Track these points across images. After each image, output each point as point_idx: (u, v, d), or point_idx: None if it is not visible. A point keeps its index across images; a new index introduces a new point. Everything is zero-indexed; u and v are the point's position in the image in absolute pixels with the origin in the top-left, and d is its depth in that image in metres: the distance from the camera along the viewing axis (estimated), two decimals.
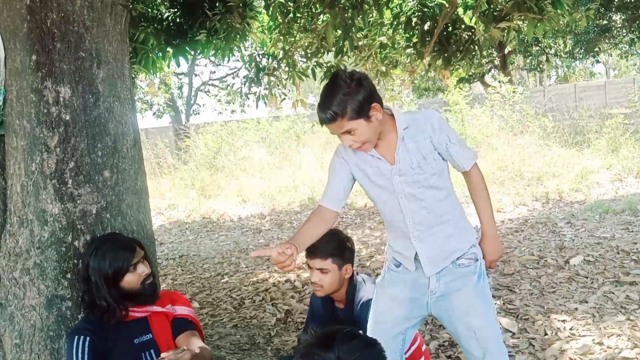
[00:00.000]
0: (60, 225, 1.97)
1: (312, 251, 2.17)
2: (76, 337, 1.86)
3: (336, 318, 2.35)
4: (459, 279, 1.82)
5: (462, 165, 1.82)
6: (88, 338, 1.85)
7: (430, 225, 1.80)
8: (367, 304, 2.13)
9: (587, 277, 3.64)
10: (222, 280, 4.52)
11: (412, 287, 1.87)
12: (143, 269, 1.95)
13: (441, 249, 1.81)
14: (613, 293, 3.31)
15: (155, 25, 4.21)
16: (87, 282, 1.92)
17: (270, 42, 5.50)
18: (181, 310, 2.07)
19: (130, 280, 1.92)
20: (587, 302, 3.22)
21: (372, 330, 1.94)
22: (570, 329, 2.89)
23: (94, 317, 1.93)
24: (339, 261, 2.24)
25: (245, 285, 4.26)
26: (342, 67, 5.07)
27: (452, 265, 1.82)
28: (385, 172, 1.80)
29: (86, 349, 1.85)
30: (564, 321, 2.99)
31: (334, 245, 2.19)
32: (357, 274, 2.42)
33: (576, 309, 3.14)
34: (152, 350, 1.95)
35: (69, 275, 1.98)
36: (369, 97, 1.69)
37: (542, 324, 2.97)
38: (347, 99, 1.66)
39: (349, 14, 3.98)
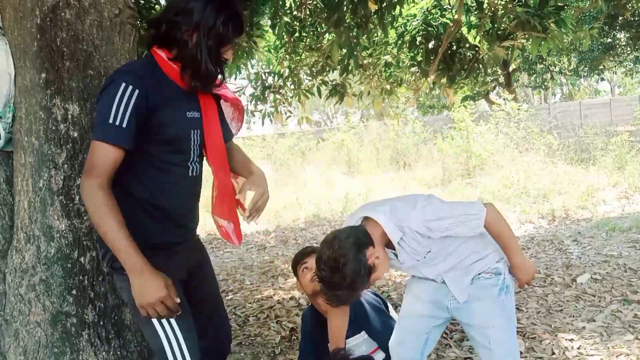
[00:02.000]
0: (66, 242, 1.98)
1: (307, 252, 2.51)
2: (124, 83, 1.50)
3: (327, 330, 2.43)
4: (480, 288, 1.85)
5: (472, 232, 1.80)
6: (137, 90, 1.51)
7: (455, 268, 1.87)
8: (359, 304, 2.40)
9: (594, 296, 3.60)
10: (227, 297, 4.50)
11: (435, 290, 1.92)
12: (229, 55, 1.67)
13: (466, 274, 1.87)
14: (621, 312, 3.28)
15: None
16: (187, 13, 1.55)
17: (276, 60, 5.57)
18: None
19: (227, 53, 1.64)
20: (594, 321, 3.19)
21: (397, 327, 2.01)
22: (578, 349, 2.85)
23: (153, 66, 1.60)
24: None
25: (250, 303, 4.24)
26: (347, 86, 5.14)
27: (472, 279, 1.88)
28: (396, 264, 1.88)
29: (133, 99, 1.50)
30: (571, 340, 2.96)
31: None
32: None
33: (584, 327, 3.11)
34: (198, 131, 1.69)
35: (74, 292, 1.98)
36: (357, 271, 1.68)
37: (550, 343, 2.94)
38: (351, 291, 1.72)
39: (354, 33, 4.03)
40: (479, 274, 1.85)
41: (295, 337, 3.44)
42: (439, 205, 1.79)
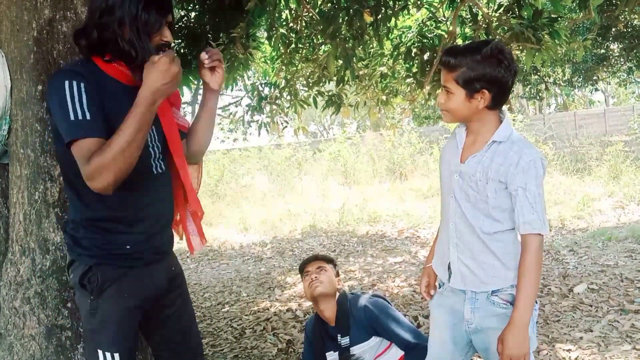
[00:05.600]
0: (61, 254, 1.97)
1: (310, 260, 2.64)
2: (67, 81, 1.46)
3: (328, 335, 2.51)
4: (495, 317, 1.69)
5: (517, 224, 1.60)
6: (82, 83, 1.47)
7: (470, 242, 1.70)
8: (365, 308, 2.42)
9: (591, 306, 3.60)
10: (223, 310, 4.48)
11: (451, 314, 1.80)
12: (168, 35, 1.61)
13: (476, 266, 1.69)
14: (618, 322, 3.27)
15: None
16: (109, 12, 1.52)
17: (272, 71, 5.59)
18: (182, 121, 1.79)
19: (164, 36, 1.60)
20: (592, 331, 3.19)
21: (429, 354, 1.92)
22: (576, 359, 2.85)
23: (93, 66, 1.57)
24: (334, 268, 2.63)
25: (246, 315, 4.22)
26: (343, 97, 5.16)
27: (486, 299, 1.70)
28: (452, 165, 1.73)
29: (83, 92, 1.46)
30: (569, 350, 2.95)
31: (328, 257, 2.72)
32: (346, 292, 2.62)
33: (581, 338, 3.11)
34: (153, 127, 1.62)
35: (69, 305, 1.97)
36: (488, 82, 1.56)
37: (547, 354, 2.93)
38: (471, 62, 1.56)
39: (350, 45, 4.05)
40: (493, 292, 1.68)
41: (292, 350, 3.42)
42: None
